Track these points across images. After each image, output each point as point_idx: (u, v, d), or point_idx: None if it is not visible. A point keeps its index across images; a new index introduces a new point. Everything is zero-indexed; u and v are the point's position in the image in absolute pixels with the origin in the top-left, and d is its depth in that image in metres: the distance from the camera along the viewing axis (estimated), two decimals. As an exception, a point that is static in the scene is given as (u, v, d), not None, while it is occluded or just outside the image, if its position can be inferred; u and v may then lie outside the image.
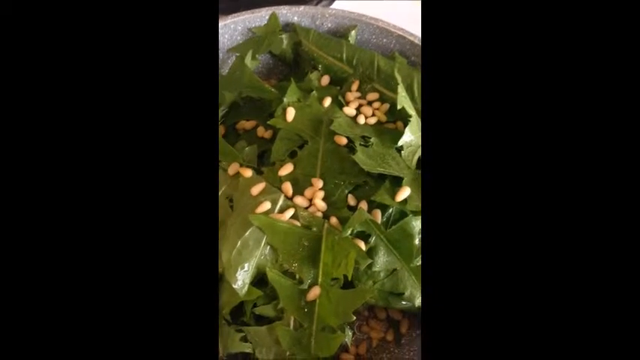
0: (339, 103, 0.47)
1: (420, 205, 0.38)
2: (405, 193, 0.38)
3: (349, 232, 0.38)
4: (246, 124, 0.48)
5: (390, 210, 0.40)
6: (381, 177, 0.40)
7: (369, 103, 0.48)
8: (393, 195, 0.38)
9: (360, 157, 0.39)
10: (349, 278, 0.37)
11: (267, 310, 0.39)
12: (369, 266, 0.38)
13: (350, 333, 0.38)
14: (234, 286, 0.37)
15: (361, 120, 0.46)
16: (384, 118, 0.47)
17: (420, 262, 0.39)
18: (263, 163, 0.45)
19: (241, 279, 0.38)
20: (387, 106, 0.48)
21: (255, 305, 0.40)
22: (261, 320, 0.40)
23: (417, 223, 0.38)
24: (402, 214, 0.39)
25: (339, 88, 0.50)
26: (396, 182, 0.39)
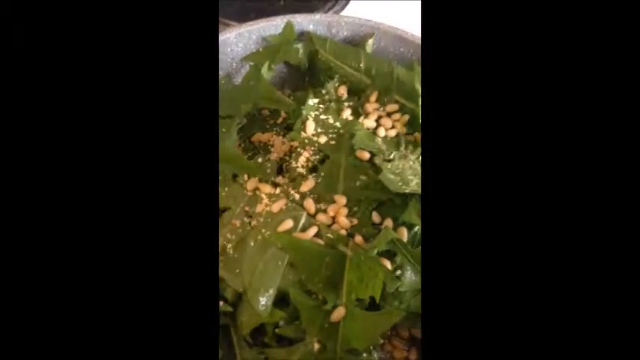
0: (359, 115, 0.46)
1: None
2: (434, 212, 0.37)
3: (375, 251, 0.37)
4: (262, 137, 0.47)
5: (416, 228, 0.39)
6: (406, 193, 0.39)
7: (389, 115, 0.47)
8: (420, 214, 0.37)
9: (386, 176, 0.38)
10: (377, 301, 0.36)
11: (289, 331, 0.38)
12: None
13: (376, 356, 0.37)
14: (256, 308, 0.36)
15: (381, 132, 0.45)
16: (403, 130, 0.46)
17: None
18: (282, 177, 0.43)
19: (263, 300, 0.36)
20: (406, 117, 0.46)
21: (276, 326, 0.38)
22: (282, 341, 0.39)
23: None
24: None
25: (357, 98, 0.48)
26: (423, 200, 0.38)
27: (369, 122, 0.45)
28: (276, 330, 0.38)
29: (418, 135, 0.46)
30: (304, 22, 0.51)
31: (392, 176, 0.38)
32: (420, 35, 0.51)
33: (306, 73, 0.53)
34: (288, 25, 0.50)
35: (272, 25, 0.51)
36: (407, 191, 0.37)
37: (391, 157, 0.41)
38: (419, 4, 0.67)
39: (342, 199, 0.40)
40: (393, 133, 0.45)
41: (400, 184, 0.37)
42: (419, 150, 0.43)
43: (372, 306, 0.37)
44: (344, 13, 0.68)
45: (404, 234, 0.38)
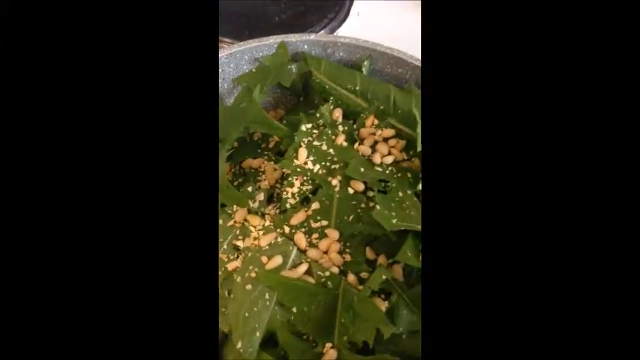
0: (354, 141, 0.44)
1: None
2: (431, 252, 0.35)
3: (369, 291, 0.35)
4: (253, 163, 0.45)
5: (413, 265, 0.36)
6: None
7: (385, 140, 0.45)
8: (417, 253, 0.35)
9: (380, 213, 0.36)
10: (370, 346, 0.33)
11: (277, 374, 0.36)
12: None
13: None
14: (241, 351, 0.34)
15: (377, 159, 0.43)
16: (400, 157, 0.44)
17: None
18: (272, 207, 0.41)
19: (249, 342, 0.34)
20: (403, 143, 0.44)
21: (264, 368, 0.36)
22: (270, 384, 0.37)
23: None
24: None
25: (351, 122, 0.46)
26: (420, 236, 0.36)
27: (365, 148, 0.44)
28: (264, 373, 0.36)
29: (416, 161, 0.44)
30: (298, 42, 0.49)
31: (386, 211, 0.36)
32: (419, 57, 0.49)
33: (301, 93, 0.52)
34: (282, 46, 0.48)
35: (265, 46, 0.49)
36: (402, 228, 0.35)
37: (387, 187, 0.39)
38: (419, 22, 0.65)
39: (334, 234, 0.37)
40: (389, 160, 0.43)
41: (395, 220, 0.35)
42: (416, 178, 0.41)
43: (366, 347, 0.35)
44: (342, 29, 0.67)
45: (399, 272, 0.36)
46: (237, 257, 0.38)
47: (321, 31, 0.64)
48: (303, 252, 0.37)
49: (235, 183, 0.44)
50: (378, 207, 0.36)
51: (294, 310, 0.35)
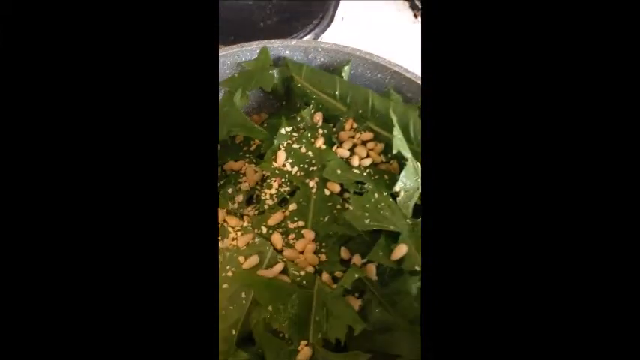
0: (332, 144, 0.45)
1: (420, 263, 0.35)
2: (401, 251, 0.36)
3: (342, 290, 0.35)
4: (234, 165, 0.46)
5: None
6: (377, 229, 0.38)
7: (364, 143, 0.46)
8: (388, 252, 0.36)
9: (353, 213, 0.37)
10: (342, 343, 0.34)
11: (253, 372, 0.37)
12: (363, 325, 0.36)
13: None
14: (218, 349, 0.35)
15: (355, 162, 0.44)
16: (378, 159, 0.45)
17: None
18: (252, 208, 0.42)
19: (226, 340, 0.35)
20: (381, 146, 0.46)
21: (240, 365, 0.37)
22: (247, 381, 0.37)
23: (415, 284, 0.36)
24: (401, 270, 0.37)
25: (331, 125, 0.47)
26: (393, 236, 0.37)
27: (343, 151, 0.44)
28: (240, 371, 0.37)
29: (394, 164, 0.45)
30: (280, 47, 0.50)
31: (360, 212, 0.37)
32: (400, 62, 0.51)
33: (283, 97, 0.53)
34: (264, 51, 0.49)
35: (247, 51, 0.50)
36: (374, 228, 0.36)
37: (363, 189, 0.40)
38: (402, 29, 0.66)
39: (310, 234, 0.38)
40: (367, 162, 0.44)
41: (368, 220, 0.36)
42: (393, 181, 0.42)
43: (340, 344, 0.36)
44: (326, 34, 0.68)
45: (373, 271, 0.37)
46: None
47: (306, 37, 0.65)
48: (279, 252, 0.38)
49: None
50: (351, 207, 0.37)
51: (270, 308, 0.36)
